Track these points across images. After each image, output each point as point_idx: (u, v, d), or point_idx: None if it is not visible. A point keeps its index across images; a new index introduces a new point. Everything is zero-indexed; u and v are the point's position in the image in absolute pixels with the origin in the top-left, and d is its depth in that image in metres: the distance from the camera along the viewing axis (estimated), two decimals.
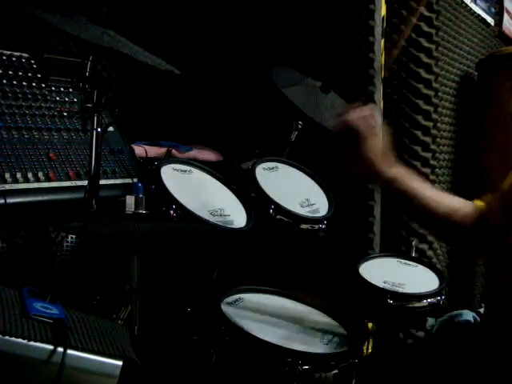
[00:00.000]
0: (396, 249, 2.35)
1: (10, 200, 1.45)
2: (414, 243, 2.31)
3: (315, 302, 1.57)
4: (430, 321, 1.86)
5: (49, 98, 1.75)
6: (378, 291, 1.73)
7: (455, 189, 2.84)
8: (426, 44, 2.37)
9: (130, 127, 2.33)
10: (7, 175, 1.48)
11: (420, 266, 1.97)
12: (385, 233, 2.32)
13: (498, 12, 3.26)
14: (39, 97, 1.73)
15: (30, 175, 1.53)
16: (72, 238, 1.55)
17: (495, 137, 2.83)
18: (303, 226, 1.76)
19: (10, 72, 1.72)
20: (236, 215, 1.66)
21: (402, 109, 2.40)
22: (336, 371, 1.29)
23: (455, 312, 2.25)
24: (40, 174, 1.55)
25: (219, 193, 1.75)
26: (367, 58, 2.25)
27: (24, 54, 1.81)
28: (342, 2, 2.34)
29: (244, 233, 1.61)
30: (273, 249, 1.87)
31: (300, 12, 2.50)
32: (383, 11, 2.27)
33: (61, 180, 1.58)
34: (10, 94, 1.67)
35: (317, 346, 1.36)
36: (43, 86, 1.77)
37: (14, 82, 1.71)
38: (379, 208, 2.27)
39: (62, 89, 1.81)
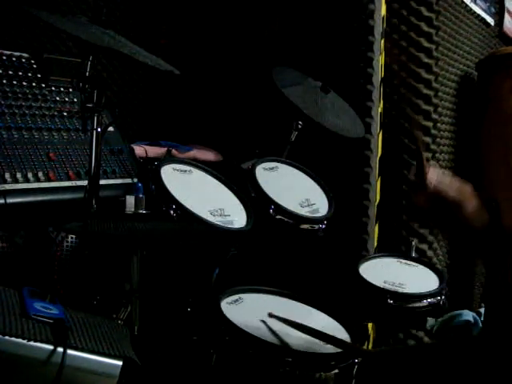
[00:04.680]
0: (396, 249, 2.35)
1: (10, 200, 1.45)
2: (413, 243, 2.31)
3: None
4: (430, 321, 1.86)
5: (49, 97, 1.75)
6: (378, 291, 1.73)
7: None
8: (426, 44, 2.37)
9: (130, 127, 2.34)
10: (7, 175, 1.48)
11: (420, 266, 1.97)
12: (384, 233, 2.33)
13: (498, 12, 3.25)
14: (39, 97, 1.73)
15: (30, 175, 1.52)
16: (72, 238, 1.55)
17: (495, 137, 2.83)
18: (303, 226, 1.76)
19: (10, 72, 1.72)
20: (236, 215, 1.66)
21: (402, 109, 2.40)
22: (336, 371, 1.28)
23: (455, 312, 2.25)
24: (40, 174, 1.55)
25: (219, 193, 1.75)
26: (367, 57, 2.25)
27: (24, 54, 1.81)
28: (341, 1, 2.34)
29: (244, 233, 1.61)
30: (273, 249, 1.87)
31: (300, 12, 2.50)
32: (383, 11, 2.27)
33: (61, 180, 1.58)
34: (10, 94, 1.67)
35: (317, 346, 1.36)
36: (43, 85, 1.77)
37: (14, 82, 1.71)
38: (374, 209, 2.28)
39: (62, 89, 1.81)
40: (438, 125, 2.53)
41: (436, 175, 1.32)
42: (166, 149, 2.01)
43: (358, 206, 2.28)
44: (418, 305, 1.75)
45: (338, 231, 1.96)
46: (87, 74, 1.41)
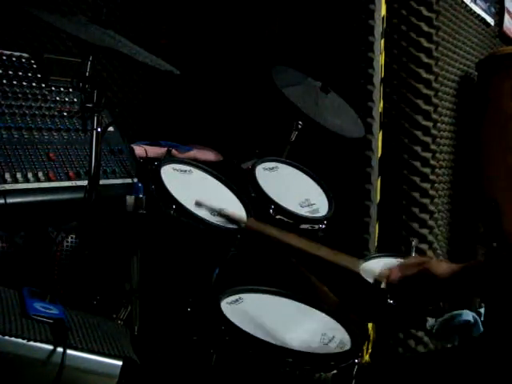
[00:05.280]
0: (396, 249, 2.35)
1: (10, 200, 1.45)
2: (413, 243, 2.30)
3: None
4: (430, 321, 1.86)
5: (49, 98, 1.75)
6: (378, 291, 1.72)
7: (455, 189, 2.84)
8: (426, 44, 2.37)
9: (130, 127, 2.34)
10: (7, 175, 1.48)
11: None
12: (384, 233, 2.32)
13: (498, 12, 3.26)
14: (39, 97, 1.73)
15: (30, 175, 1.52)
16: (72, 237, 1.55)
17: (495, 137, 2.83)
18: (303, 226, 1.76)
19: (10, 72, 1.72)
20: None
21: (401, 109, 2.40)
22: (336, 371, 1.28)
23: (455, 312, 2.25)
24: (40, 174, 1.55)
25: (219, 193, 1.75)
26: (367, 57, 2.25)
27: (24, 54, 1.81)
28: (341, 1, 2.35)
29: (244, 233, 1.61)
30: (273, 249, 1.87)
31: (300, 12, 2.50)
32: (383, 11, 2.27)
33: (61, 180, 1.58)
34: (10, 94, 1.67)
35: (317, 346, 1.36)
36: (43, 85, 1.77)
37: (14, 82, 1.71)
38: (375, 208, 2.28)
39: (62, 89, 1.81)
40: (438, 125, 2.53)
41: (394, 274, 1.29)
42: (165, 149, 2.01)
43: (359, 206, 2.28)
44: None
45: (339, 231, 1.96)
46: (87, 73, 1.41)
